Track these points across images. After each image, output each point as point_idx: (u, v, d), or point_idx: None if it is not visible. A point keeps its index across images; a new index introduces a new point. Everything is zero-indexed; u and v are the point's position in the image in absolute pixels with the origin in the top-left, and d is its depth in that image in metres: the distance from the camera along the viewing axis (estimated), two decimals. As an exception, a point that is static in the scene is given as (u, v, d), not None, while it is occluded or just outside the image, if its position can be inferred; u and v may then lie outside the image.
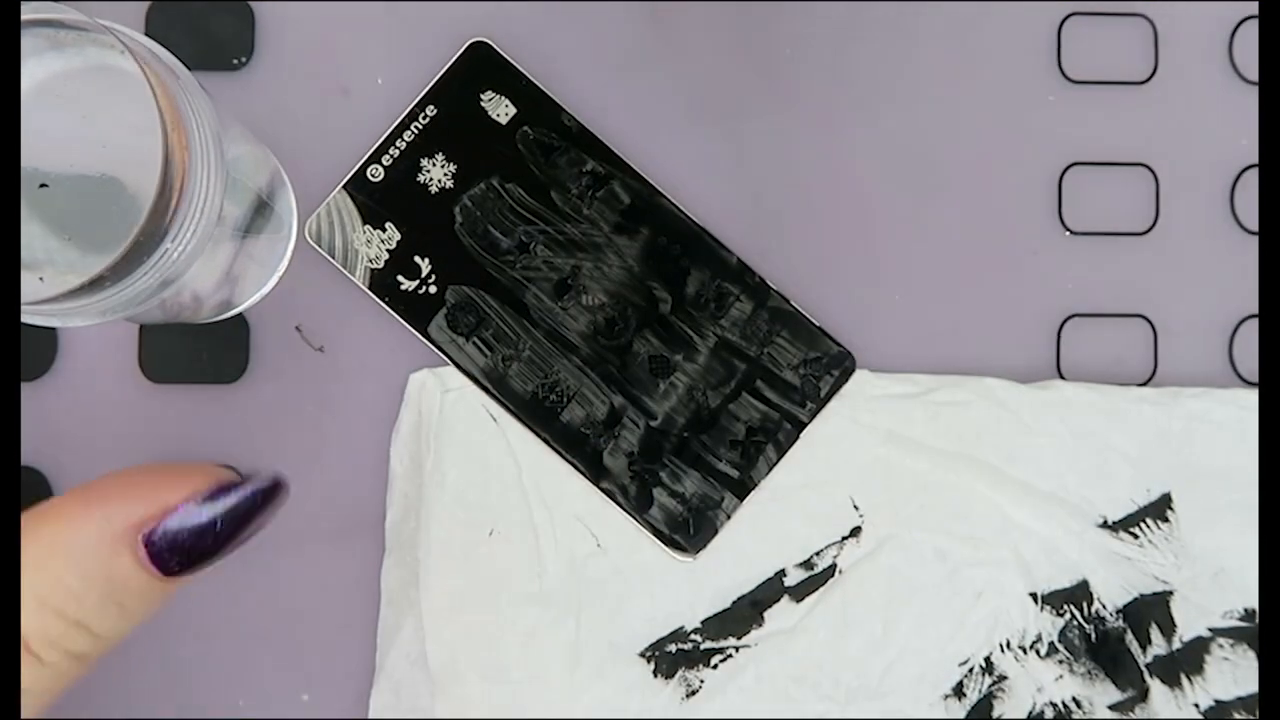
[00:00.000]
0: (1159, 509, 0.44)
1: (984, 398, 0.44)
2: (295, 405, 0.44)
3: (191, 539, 0.31)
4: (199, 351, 0.43)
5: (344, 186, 0.44)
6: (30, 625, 0.29)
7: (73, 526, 0.30)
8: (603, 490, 0.44)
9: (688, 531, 0.44)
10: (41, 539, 0.30)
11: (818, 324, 0.44)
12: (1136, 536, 0.44)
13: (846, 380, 0.44)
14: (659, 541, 0.44)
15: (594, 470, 0.44)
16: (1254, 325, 0.45)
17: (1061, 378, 0.45)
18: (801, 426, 0.44)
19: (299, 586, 0.43)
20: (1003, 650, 0.44)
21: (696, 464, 0.44)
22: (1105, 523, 0.44)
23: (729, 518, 0.44)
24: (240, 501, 0.31)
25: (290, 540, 0.43)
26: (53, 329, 0.43)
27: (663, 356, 0.44)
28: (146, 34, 0.43)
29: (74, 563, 0.30)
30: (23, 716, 0.29)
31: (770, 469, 0.44)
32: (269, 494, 0.32)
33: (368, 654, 0.43)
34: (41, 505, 0.30)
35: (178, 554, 0.31)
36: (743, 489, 0.44)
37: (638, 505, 0.44)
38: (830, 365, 0.44)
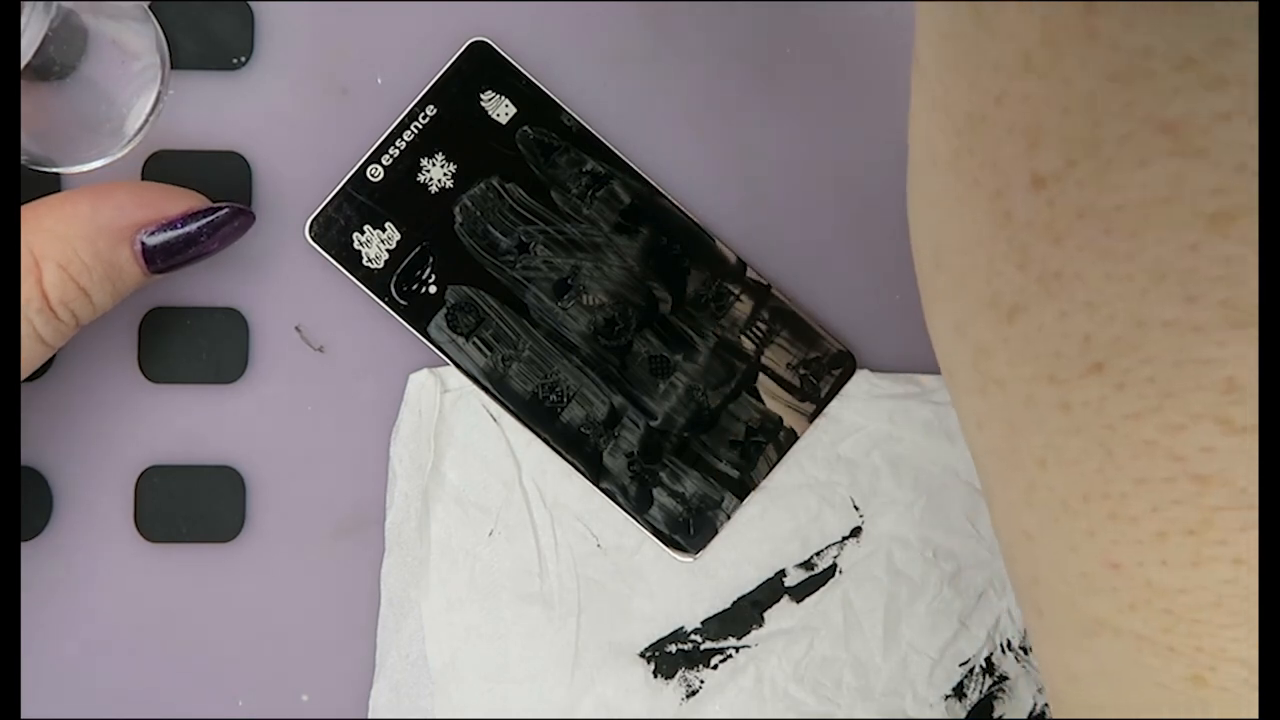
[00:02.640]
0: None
1: (984, 398, 0.44)
2: (295, 405, 0.44)
3: (180, 244, 0.40)
4: (199, 351, 0.43)
5: (344, 186, 0.44)
6: (52, 286, 0.38)
7: (93, 211, 0.39)
8: (603, 490, 0.44)
9: (688, 532, 0.44)
10: (65, 216, 0.38)
11: (818, 324, 0.44)
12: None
13: (847, 380, 0.44)
14: (659, 542, 0.44)
15: (594, 470, 0.44)
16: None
17: (1062, 377, 0.45)
18: (802, 426, 0.44)
19: (299, 586, 0.43)
20: (1004, 651, 0.44)
21: (696, 464, 0.44)
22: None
23: (729, 518, 0.44)
24: (220, 218, 0.41)
25: (290, 540, 0.43)
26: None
27: (663, 356, 0.44)
28: (146, 34, 0.44)
29: (88, 242, 0.39)
30: (29, 363, 0.38)
31: (770, 469, 0.44)
32: (241, 214, 0.41)
33: (367, 654, 0.43)
34: (70, 192, 0.39)
35: (164, 255, 0.40)
36: (743, 489, 0.44)
37: (638, 505, 0.44)
38: (831, 365, 0.44)
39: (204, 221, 0.40)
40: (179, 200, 0.40)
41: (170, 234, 0.40)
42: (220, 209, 0.41)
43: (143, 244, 0.39)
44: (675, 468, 0.44)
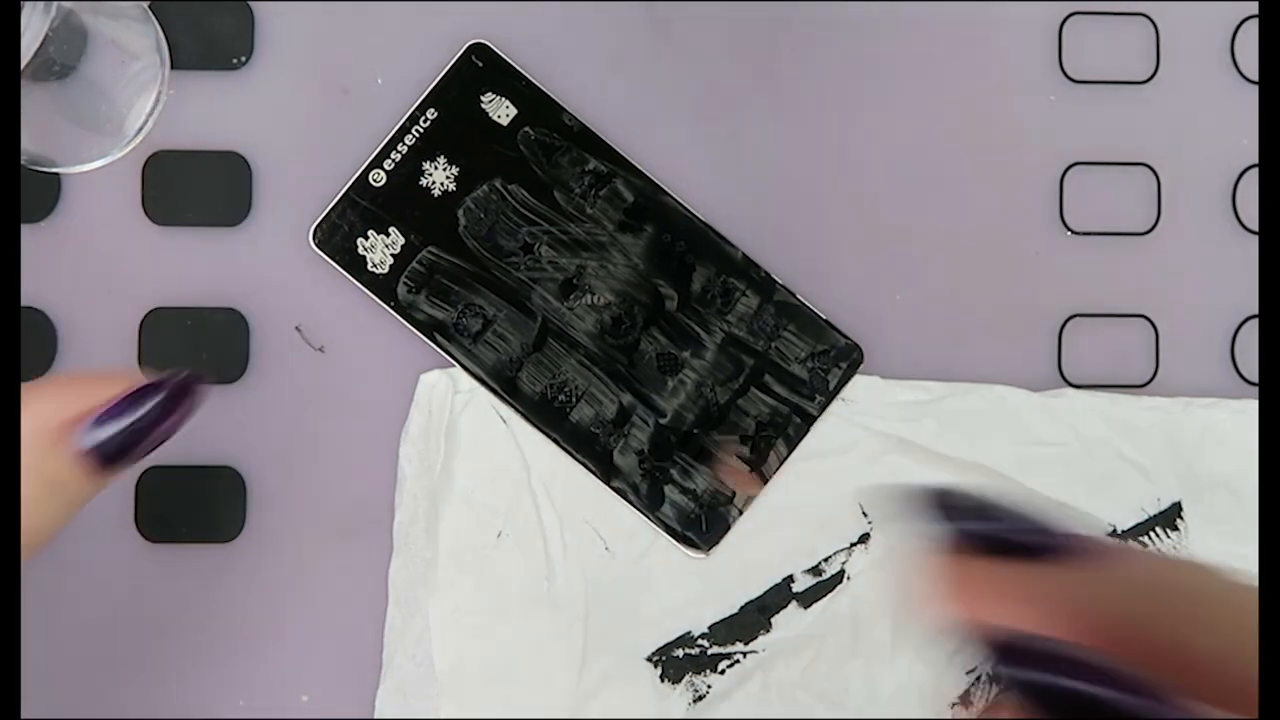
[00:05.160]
0: (1169, 518, 0.44)
1: (995, 406, 0.44)
2: (295, 405, 0.43)
3: (117, 439, 0.33)
4: (199, 352, 0.43)
5: (347, 192, 0.43)
6: None
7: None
8: (614, 489, 0.43)
9: (700, 528, 0.43)
10: None
11: (824, 317, 0.44)
12: (1146, 545, 0.44)
13: (854, 373, 0.44)
14: (672, 539, 0.43)
15: (604, 469, 0.43)
16: (1256, 325, 0.45)
17: (1063, 377, 0.45)
18: (811, 420, 0.44)
19: (299, 586, 0.43)
20: (1011, 659, 0.43)
21: (707, 460, 0.43)
22: (1115, 531, 0.44)
23: (741, 513, 0.43)
24: (157, 403, 0.33)
25: (290, 540, 0.43)
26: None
27: (670, 354, 0.44)
28: (146, 33, 0.44)
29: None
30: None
31: (781, 463, 0.44)
32: (184, 392, 0.34)
33: (368, 655, 0.43)
34: None
35: (104, 452, 0.33)
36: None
37: (649, 503, 0.43)
38: (838, 358, 0.44)
39: (152, 403, 0.33)
40: (106, 386, 0.33)
41: (113, 428, 0.33)
42: (167, 381, 0.34)
43: (77, 445, 0.32)
44: (686, 464, 0.43)
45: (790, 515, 0.44)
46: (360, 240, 0.43)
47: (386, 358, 0.43)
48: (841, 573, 0.44)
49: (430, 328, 0.43)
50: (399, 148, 0.44)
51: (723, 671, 0.43)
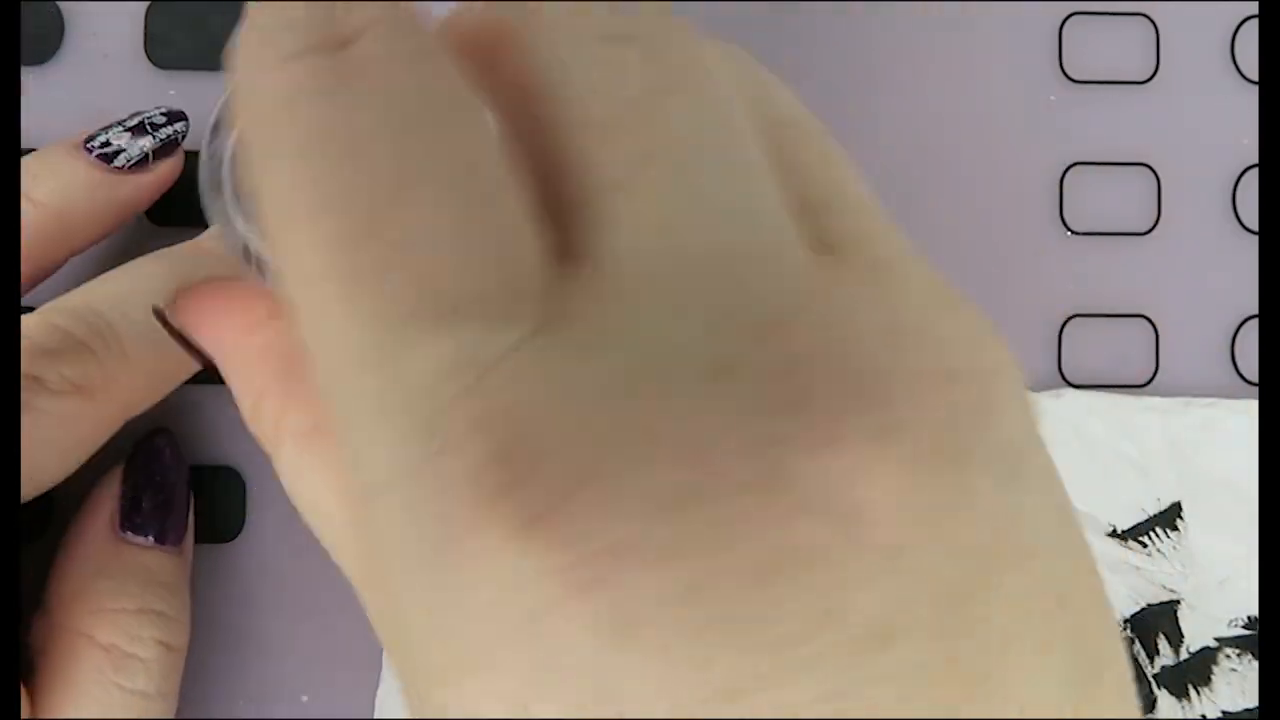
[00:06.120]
0: (1169, 518, 0.44)
1: (992, 404, 0.44)
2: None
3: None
4: (199, 352, 0.43)
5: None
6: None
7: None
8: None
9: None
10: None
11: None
12: (1145, 545, 0.44)
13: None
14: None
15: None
16: (1256, 325, 0.45)
17: (1063, 377, 0.45)
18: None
19: (299, 586, 0.43)
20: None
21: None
22: (1114, 531, 0.44)
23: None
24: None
25: (290, 540, 0.43)
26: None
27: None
28: (146, 34, 0.43)
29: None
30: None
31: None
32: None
33: (368, 655, 0.43)
34: None
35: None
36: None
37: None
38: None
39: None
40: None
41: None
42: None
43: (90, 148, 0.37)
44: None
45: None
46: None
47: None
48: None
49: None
50: (399, 147, 0.44)
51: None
